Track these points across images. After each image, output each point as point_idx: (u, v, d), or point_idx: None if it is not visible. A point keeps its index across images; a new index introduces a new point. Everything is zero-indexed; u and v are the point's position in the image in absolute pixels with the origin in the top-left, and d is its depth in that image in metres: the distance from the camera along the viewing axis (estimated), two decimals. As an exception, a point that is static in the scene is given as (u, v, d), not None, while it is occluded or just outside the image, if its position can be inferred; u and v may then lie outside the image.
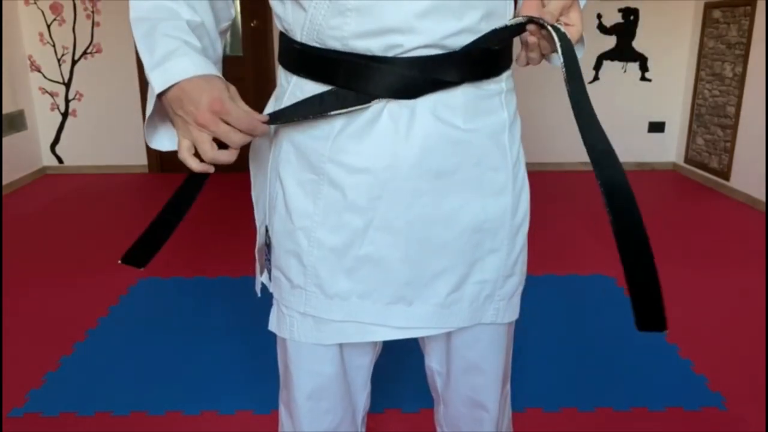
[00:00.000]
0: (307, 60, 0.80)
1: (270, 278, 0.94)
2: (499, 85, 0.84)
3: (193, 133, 0.75)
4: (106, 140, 4.63)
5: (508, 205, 0.87)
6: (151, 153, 4.60)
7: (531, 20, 0.76)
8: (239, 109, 0.74)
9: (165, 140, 0.83)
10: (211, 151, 0.75)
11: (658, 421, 1.76)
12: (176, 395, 1.88)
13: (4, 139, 4.08)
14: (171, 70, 0.74)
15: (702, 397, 1.86)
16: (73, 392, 1.90)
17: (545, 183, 4.25)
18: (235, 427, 1.74)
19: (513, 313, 0.95)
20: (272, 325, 0.95)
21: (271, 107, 0.89)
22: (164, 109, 0.78)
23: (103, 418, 1.78)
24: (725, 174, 4.01)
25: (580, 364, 2.03)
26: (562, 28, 0.75)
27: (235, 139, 0.75)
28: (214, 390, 1.90)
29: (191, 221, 3.45)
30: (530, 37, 0.78)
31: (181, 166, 0.76)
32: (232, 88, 0.78)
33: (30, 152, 4.49)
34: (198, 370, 2.01)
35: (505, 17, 0.80)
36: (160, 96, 0.76)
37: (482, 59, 0.80)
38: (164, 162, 4.65)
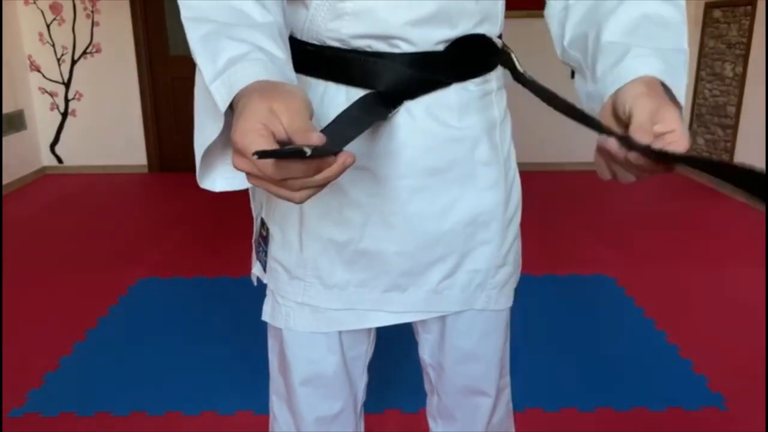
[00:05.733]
0: (308, 58, 0.81)
1: (264, 270, 0.95)
2: (490, 84, 0.86)
3: None
4: (105, 140, 4.62)
5: (501, 198, 0.89)
6: (151, 153, 4.60)
7: (620, 138, 0.61)
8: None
9: (219, 179, 0.70)
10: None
11: (658, 421, 1.76)
12: (176, 395, 1.88)
13: (4, 139, 4.08)
14: (238, 74, 0.60)
15: (702, 397, 1.86)
16: (73, 392, 1.90)
17: (545, 183, 4.24)
18: (235, 427, 1.74)
19: (506, 300, 0.97)
20: (266, 315, 0.97)
21: None
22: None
23: (103, 418, 1.78)
24: (725, 174, 4.01)
25: (580, 364, 2.03)
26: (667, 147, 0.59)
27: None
28: (214, 390, 1.90)
29: (191, 221, 3.46)
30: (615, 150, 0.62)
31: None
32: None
33: (30, 152, 4.49)
34: (198, 370, 2.01)
35: (497, 22, 0.81)
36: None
37: (471, 59, 0.81)
38: (164, 162, 4.62)
